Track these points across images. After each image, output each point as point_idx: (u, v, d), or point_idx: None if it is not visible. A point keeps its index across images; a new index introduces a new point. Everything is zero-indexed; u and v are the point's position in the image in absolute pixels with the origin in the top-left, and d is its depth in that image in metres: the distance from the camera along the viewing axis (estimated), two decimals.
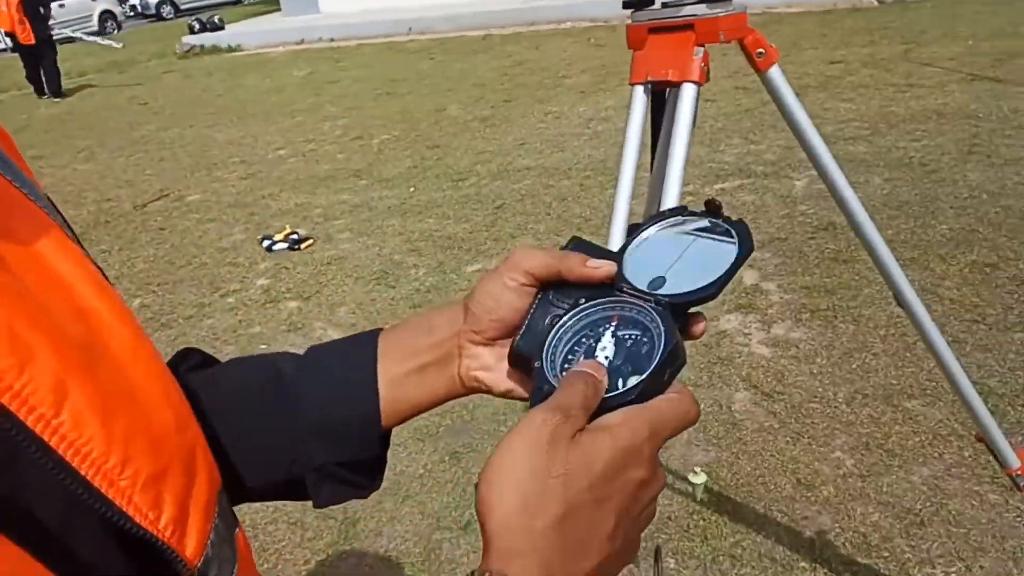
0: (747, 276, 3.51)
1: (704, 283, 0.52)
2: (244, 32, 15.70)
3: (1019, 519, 2.12)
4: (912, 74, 6.35)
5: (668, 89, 1.18)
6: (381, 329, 0.63)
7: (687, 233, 0.57)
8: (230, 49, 14.70)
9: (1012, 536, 2.09)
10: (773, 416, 2.66)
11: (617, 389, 0.48)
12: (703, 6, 1.08)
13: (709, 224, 0.56)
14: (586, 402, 0.46)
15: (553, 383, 0.50)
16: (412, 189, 5.48)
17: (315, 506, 0.61)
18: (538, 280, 0.56)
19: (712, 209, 0.56)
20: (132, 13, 26.83)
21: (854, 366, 2.85)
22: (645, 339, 0.50)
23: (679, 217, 0.58)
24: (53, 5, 13.76)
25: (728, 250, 0.53)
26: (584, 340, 0.53)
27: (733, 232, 0.54)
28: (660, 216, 0.59)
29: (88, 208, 6.04)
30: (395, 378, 0.59)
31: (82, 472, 0.35)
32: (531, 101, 7.45)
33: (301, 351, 0.64)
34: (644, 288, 0.54)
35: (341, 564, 2.33)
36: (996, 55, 6.49)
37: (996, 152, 4.51)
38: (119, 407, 0.39)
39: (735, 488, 2.38)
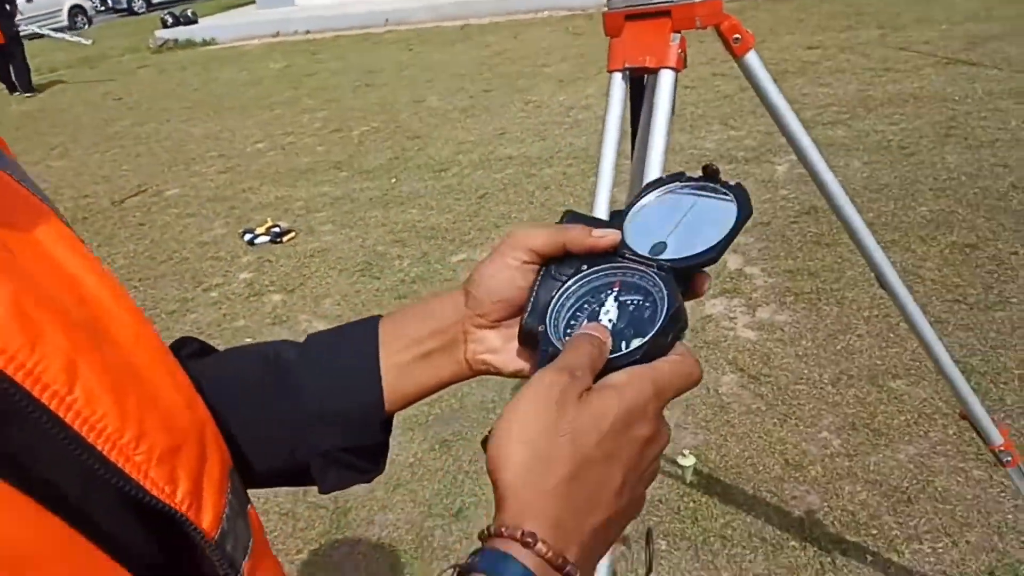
0: (731, 261, 3.53)
1: (704, 247, 0.53)
2: (218, 25, 15.51)
3: (1003, 494, 2.16)
4: (888, 58, 6.39)
5: (646, 76, 1.18)
6: (380, 316, 0.63)
7: (686, 198, 0.57)
8: (204, 43, 14.52)
9: (996, 511, 2.12)
10: (760, 398, 2.68)
11: (621, 351, 0.49)
12: None
13: (708, 189, 0.57)
14: (592, 363, 0.47)
15: (557, 346, 0.51)
16: (394, 180, 5.45)
17: (320, 491, 0.61)
18: (541, 257, 0.57)
19: (710, 174, 0.57)
20: (103, 7, 26.41)
21: (839, 348, 2.88)
22: (647, 303, 0.51)
23: (678, 183, 0.59)
24: (20, 1, 13.52)
25: (727, 214, 0.54)
26: (587, 305, 0.54)
27: (732, 196, 0.55)
28: (659, 182, 0.59)
29: (65, 205, 5.96)
30: (398, 365, 0.60)
31: (98, 447, 0.35)
32: (511, 90, 7.44)
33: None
34: (645, 254, 0.54)
35: (334, 553, 2.33)
36: (970, 39, 6.55)
37: (972, 134, 4.56)
38: (128, 385, 0.39)
39: (724, 470, 2.40)
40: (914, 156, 4.40)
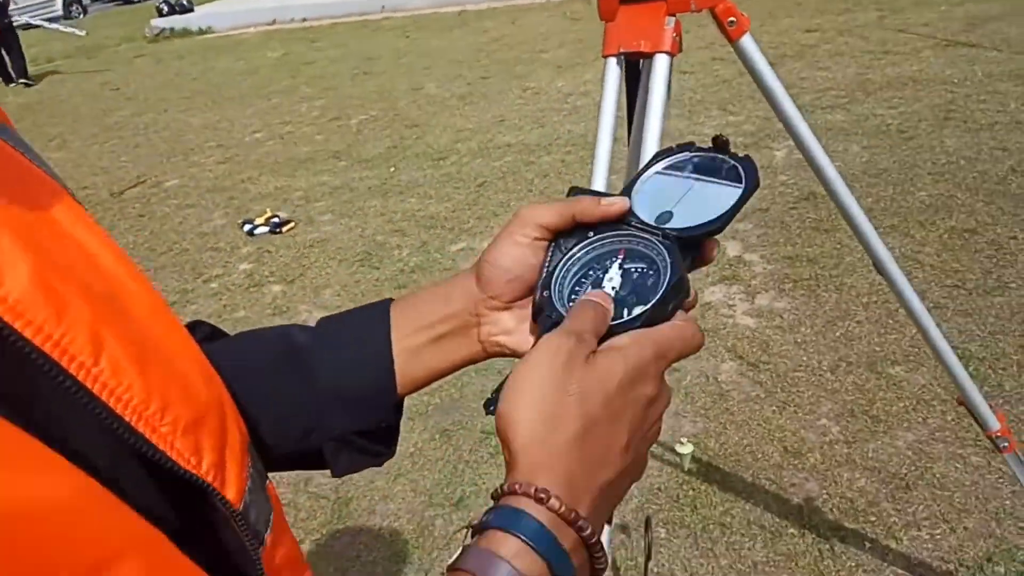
0: (730, 247, 3.53)
1: (711, 217, 0.53)
2: (214, 13, 15.43)
3: (1001, 480, 2.17)
4: (887, 41, 6.36)
5: (642, 61, 1.18)
6: (391, 300, 0.63)
7: (694, 168, 0.58)
8: (201, 31, 14.45)
9: (994, 497, 2.13)
10: (759, 386, 2.69)
11: (622, 318, 0.50)
12: None
13: (716, 159, 0.57)
14: (596, 327, 0.48)
15: (561, 311, 0.52)
16: (392, 169, 5.44)
17: (333, 475, 0.62)
18: (551, 232, 0.57)
19: (719, 145, 0.57)
20: None
21: (838, 334, 2.89)
22: (651, 272, 0.52)
23: (687, 153, 0.59)
24: None
25: (734, 185, 0.54)
26: (592, 272, 0.54)
27: (740, 167, 0.55)
28: (668, 152, 0.60)
29: None
30: (410, 348, 0.60)
31: (126, 418, 0.36)
32: (509, 77, 7.41)
33: None
34: (652, 222, 0.55)
35: (335, 543, 2.34)
36: (969, 20, 6.52)
37: (972, 118, 4.55)
38: (151, 357, 0.39)
39: (723, 458, 2.41)
40: (913, 140, 4.39)
